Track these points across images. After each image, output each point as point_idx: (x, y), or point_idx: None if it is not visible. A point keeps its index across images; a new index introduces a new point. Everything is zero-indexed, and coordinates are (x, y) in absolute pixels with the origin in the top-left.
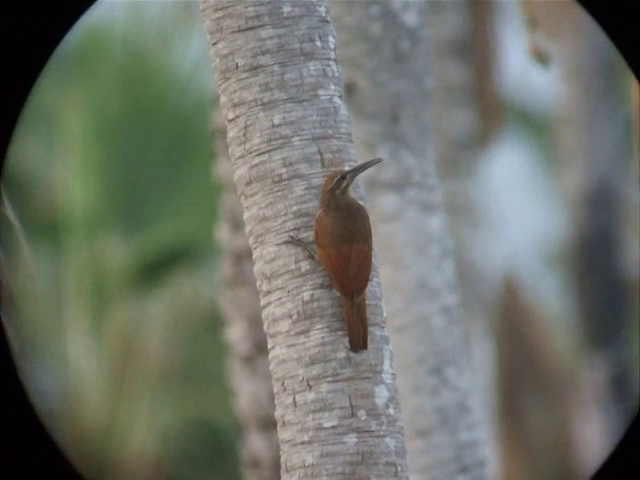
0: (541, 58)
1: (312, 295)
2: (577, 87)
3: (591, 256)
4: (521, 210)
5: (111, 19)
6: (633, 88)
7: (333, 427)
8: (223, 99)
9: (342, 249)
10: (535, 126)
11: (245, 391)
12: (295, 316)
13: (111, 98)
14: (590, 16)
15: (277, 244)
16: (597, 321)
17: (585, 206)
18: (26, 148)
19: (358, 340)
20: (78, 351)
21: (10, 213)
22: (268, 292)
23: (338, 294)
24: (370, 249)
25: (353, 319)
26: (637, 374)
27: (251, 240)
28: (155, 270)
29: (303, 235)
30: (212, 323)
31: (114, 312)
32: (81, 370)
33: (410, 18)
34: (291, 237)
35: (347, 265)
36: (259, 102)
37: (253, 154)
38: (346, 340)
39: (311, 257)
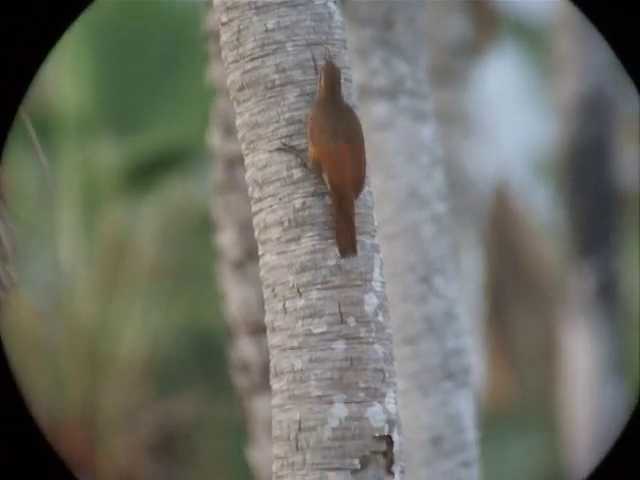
0: None
1: (304, 203)
2: None
3: (582, 165)
4: (514, 119)
5: None
6: None
7: (322, 333)
8: (216, 2)
9: (341, 146)
10: (529, 35)
11: (235, 296)
12: (286, 223)
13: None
14: (587, 18)
15: (269, 151)
16: (586, 230)
17: (578, 115)
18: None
19: (346, 246)
20: (70, 252)
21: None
22: (259, 199)
23: (329, 201)
24: (364, 152)
25: (343, 223)
26: (625, 284)
27: (243, 146)
28: (147, 174)
29: (295, 142)
30: (203, 227)
31: (105, 214)
32: (73, 271)
33: None
34: (283, 144)
35: (345, 163)
36: (253, 6)
37: (246, 59)
38: (336, 248)
39: (303, 164)
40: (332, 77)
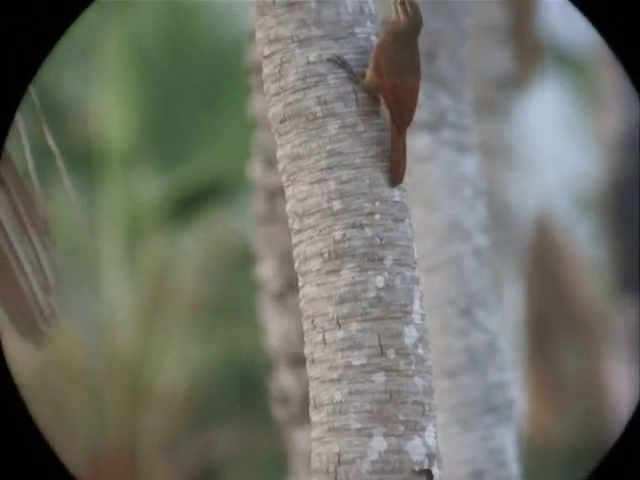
0: None
1: (344, 235)
2: None
3: (625, 200)
4: (556, 152)
5: None
6: None
7: (362, 365)
8: (259, 35)
9: (407, 80)
10: (573, 67)
11: (275, 328)
12: (326, 255)
13: (149, 30)
14: (588, 21)
15: (310, 183)
16: (629, 265)
17: (621, 150)
18: (64, 76)
19: (399, 174)
20: (111, 284)
21: (51, 141)
22: (300, 230)
23: (369, 233)
24: (419, 85)
25: (400, 153)
26: None
27: (284, 178)
28: (188, 205)
29: (336, 174)
30: (244, 260)
31: (147, 246)
32: (114, 303)
33: None
34: (336, 57)
35: (411, 97)
36: (295, 39)
37: (288, 91)
38: (376, 279)
39: (355, 82)
40: (419, 15)
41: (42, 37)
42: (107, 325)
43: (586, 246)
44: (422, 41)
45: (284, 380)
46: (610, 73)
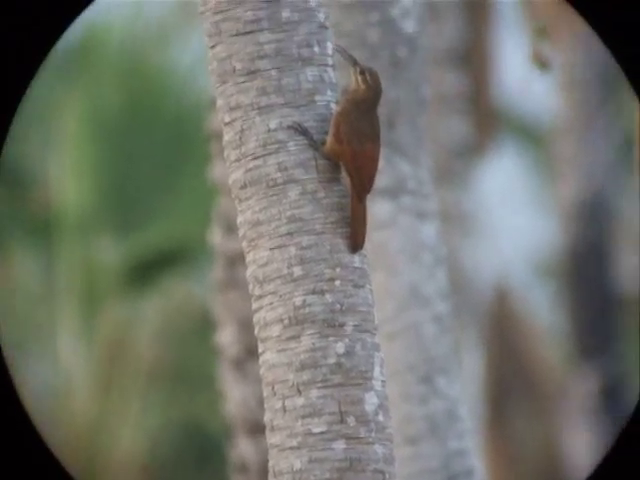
0: (542, 64)
1: (304, 301)
2: (574, 98)
3: (583, 268)
4: (514, 220)
5: (109, 18)
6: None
7: (322, 433)
8: (220, 102)
9: (367, 147)
10: (531, 136)
11: (234, 395)
12: (286, 321)
13: (108, 97)
14: (590, 27)
15: (270, 249)
16: (588, 333)
17: (579, 218)
18: (21, 145)
19: (359, 241)
20: (68, 351)
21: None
22: (260, 296)
23: (329, 299)
24: (379, 152)
25: (360, 219)
26: (628, 387)
27: (244, 244)
28: (147, 272)
29: (297, 240)
30: (203, 326)
31: (105, 313)
32: (71, 370)
33: (408, 25)
34: (297, 124)
35: (371, 164)
36: (256, 106)
37: (248, 158)
38: (337, 345)
39: (316, 149)
40: (379, 84)
41: (40, 40)
42: (64, 392)
43: (545, 314)
44: (381, 109)
45: (243, 448)
46: (568, 142)
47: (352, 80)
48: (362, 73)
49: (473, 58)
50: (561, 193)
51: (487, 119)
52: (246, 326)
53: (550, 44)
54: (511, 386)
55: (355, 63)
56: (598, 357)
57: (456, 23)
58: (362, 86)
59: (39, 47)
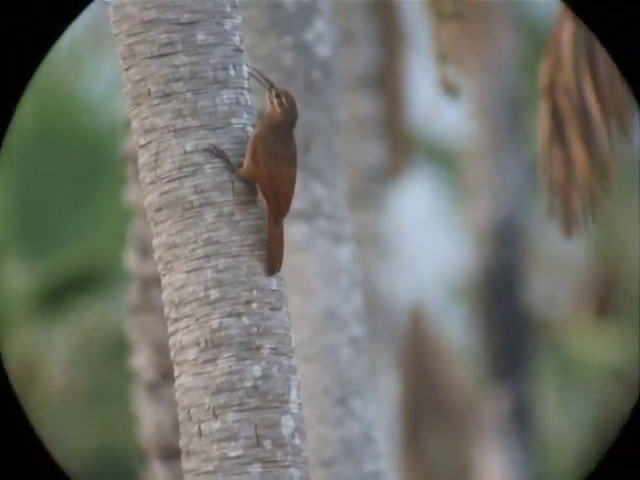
0: (450, 90)
1: (220, 323)
2: (484, 123)
3: (496, 290)
4: (428, 243)
5: None
6: (539, 126)
7: (238, 457)
8: (135, 125)
9: (284, 170)
10: (443, 160)
11: (149, 419)
12: (203, 344)
13: (20, 121)
14: (590, 29)
15: (186, 271)
16: (500, 354)
17: (491, 240)
18: None
19: (276, 263)
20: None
21: None
22: (176, 319)
23: (246, 322)
24: (296, 176)
25: (277, 242)
26: (539, 408)
27: (160, 267)
28: (60, 295)
29: (213, 262)
30: (118, 349)
31: (17, 337)
32: None
33: (323, 50)
34: (213, 146)
35: (288, 187)
36: (171, 129)
37: (164, 180)
38: (253, 368)
39: (232, 171)
40: (295, 107)
41: (41, 37)
42: None
43: (459, 335)
44: (297, 133)
45: (157, 473)
46: (480, 166)
47: (268, 103)
48: (278, 96)
49: (387, 83)
50: (473, 216)
51: (401, 143)
52: (161, 350)
53: (458, 70)
54: (426, 408)
55: (271, 86)
56: (510, 378)
57: (370, 48)
58: (278, 109)
59: (37, 48)
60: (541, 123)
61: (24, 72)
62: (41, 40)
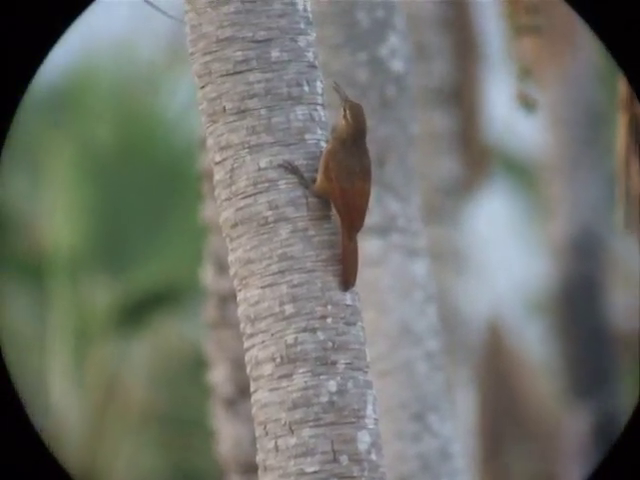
0: (528, 104)
1: (296, 339)
2: (562, 136)
3: (575, 304)
4: (505, 257)
5: (100, 59)
6: (618, 139)
7: (315, 472)
8: (210, 142)
9: (357, 185)
10: (520, 174)
11: (227, 434)
12: (278, 359)
13: (99, 138)
14: (590, 28)
15: (262, 287)
16: (581, 369)
17: (569, 254)
18: (11, 186)
19: (350, 278)
20: (60, 392)
21: None
22: (252, 335)
23: (321, 336)
24: (370, 189)
25: (351, 257)
26: (621, 424)
27: (235, 282)
28: (139, 312)
29: (288, 278)
30: (195, 365)
31: (97, 353)
32: (63, 411)
33: (397, 65)
34: (287, 162)
35: (361, 202)
36: (246, 145)
37: (239, 197)
38: (329, 384)
39: (306, 187)
40: (362, 118)
41: (43, 35)
42: (55, 434)
43: (538, 350)
44: (371, 147)
45: None
46: (558, 179)
47: (338, 118)
48: (344, 110)
49: (461, 97)
50: (551, 229)
51: (476, 157)
52: (238, 365)
53: (535, 84)
54: (504, 423)
55: (346, 99)
56: (591, 394)
57: (444, 62)
58: (343, 122)
59: (38, 49)
60: (619, 136)
61: (24, 73)
62: (41, 41)
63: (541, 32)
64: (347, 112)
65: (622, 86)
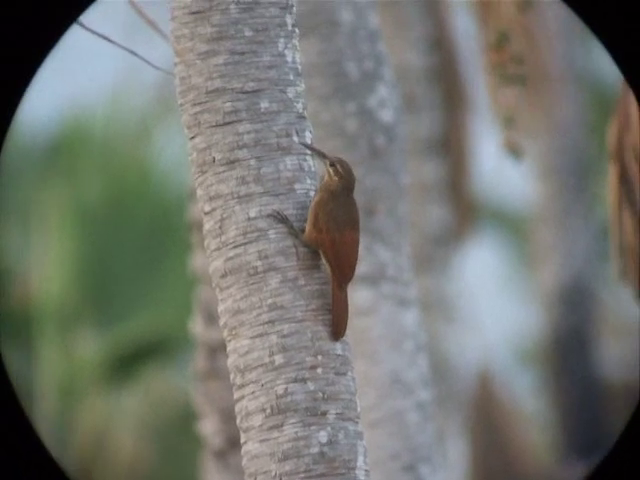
0: (515, 152)
1: (286, 389)
2: (551, 185)
3: (565, 354)
4: (495, 307)
5: (90, 110)
6: (609, 189)
7: None
8: (200, 192)
9: (346, 235)
10: (509, 223)
11: None
12: (268, 410)
13: (89, 190)
14: (585, 23)
15: (251, 337)
16: (572, 419)
17: (559, 304)
18: (3, 240)
19: (341, 328)
20: (48, 445)
21: None
22: (242, 386)
23: (311, 387)
24: (359, 238)
25: (342, 307)
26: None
27: (225, 333)
28: (128, 363)
29: (278, 328)
30: (185, 417)
31: (86, 406)
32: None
33: (386, 115)
34: (277, 212)
35: (351, 251)
36: (235, 195)
37: (229, 246)
38: (319, 434)
39: (296, 236)
40: (352, 173)
41: (40, 40)
42: None
43: (529, 400)
44: (361, 197)
45: None
46: (547, 229)
47: (325, 172)
48: (332, 165)
49: (450, 147)
50: (541, 280)
51: (466, 206)
52: (228, 416)
53: (523, 132)
54: (496, 474)
55: (324, 156)
56: (583, 444)
57: (433, 113)
58: (335, 177)
59: (37, 48)
60: (610, 186)
61: (24, 74)
62: (40, 43)
63: (526, 82)
64: (338, 167)
65: (611, 136)
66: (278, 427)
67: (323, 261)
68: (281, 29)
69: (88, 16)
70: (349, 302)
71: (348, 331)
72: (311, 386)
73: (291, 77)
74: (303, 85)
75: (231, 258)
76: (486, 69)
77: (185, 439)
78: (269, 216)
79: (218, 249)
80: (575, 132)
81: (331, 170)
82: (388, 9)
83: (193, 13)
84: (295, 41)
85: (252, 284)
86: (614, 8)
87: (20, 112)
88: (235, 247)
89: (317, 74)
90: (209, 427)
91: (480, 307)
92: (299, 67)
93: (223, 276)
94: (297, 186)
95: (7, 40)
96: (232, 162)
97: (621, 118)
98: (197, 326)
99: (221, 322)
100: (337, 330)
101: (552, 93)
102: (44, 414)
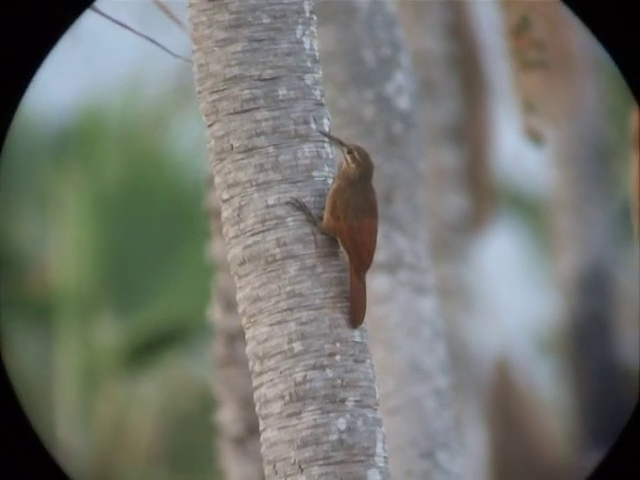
0: (535, 138)
1: (304, 376)
2: (570, 172)
3: (585, 341)
4: (514, 294)
5: (109, 99)
6: (631, 174)
7: None
8: (218, 180)
9: (364, 222)
10: (528, 210)
11: (236, 473)
12: (287, 397)
13: (107, 178)
14: (589, 30)
15: (270, 324)
16: (591, 406)
17: (578, 291)
18: (21, 227)
19: (359, 315)
20: (67, 433)
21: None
22: (260, 373)
23: (330, 374)
24: (377, 225)
25: (360, 294)
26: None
27: (244, 320)
28: (147, 351)
29: (297, 315)
30: (204, 404)
31: (105, 393)
32: (71, 451)
33: (403, 102)
34: (295, 200)
35: (369, 239)
36: (254, 183)
37: (247, 234)
38: (338, 421)
39: (314, 224)
40: (370, 161)
41: (41, 39)
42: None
43: (547, 387)
44: (378, 185)
45: None
46: (565, 216)
47: (342, 160)
48: (350, 152)
49: (469, 133)
50: (560, 266)
51: (484, 193)
52: (247, 403)
53: (543, 119)
54: (514, 461)
55: (341, 144)
56: (602, 432)
57: (451, 99)
58: (352, 165)
59: (36, 49)
60: (632, 173)
61: (23, 74)
62: (40, 42)
63: (547, 67)
64: (356, 154)
65: (633, 122)
66: (297, 414)
67: (341, 249)
68: (299, 16)
69: (104, 3)
70: (367, 289)
71: (366, 318)
72: (330, 373)
73: (309, 64)
74: (321, 72)
75: (249, 246)
76: (506, 55)
77: (204, 426)
78: (287, 204)
79: (236, 237)
80: (596, 119)
81: (349, 157)
82: None
83: (211, 0)
84: (313, 28)
85: (270, 272)
86: (614, 8)
87: (37, 98)
88: (253, 235)
89: (334, 61)
90: (228, 414)
91: (498, 294)
92: (317, 54)
93: (241, 264)
94: (315, 173)
95: (18, 24)
96: (250, 150)
97: None
98: (216, 313)
99: (240, 309)
100: (355, 317)
101: (573, 79)
102: (63, 401)
